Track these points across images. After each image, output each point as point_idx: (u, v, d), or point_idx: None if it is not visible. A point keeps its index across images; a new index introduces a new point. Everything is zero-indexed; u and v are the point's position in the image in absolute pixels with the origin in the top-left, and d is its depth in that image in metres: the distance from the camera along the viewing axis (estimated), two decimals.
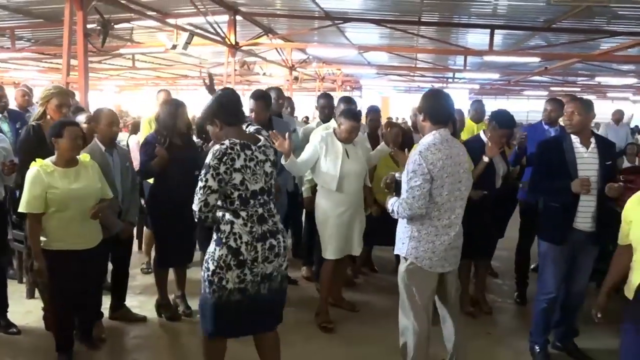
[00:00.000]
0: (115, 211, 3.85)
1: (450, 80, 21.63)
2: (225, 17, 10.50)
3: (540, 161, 3.85)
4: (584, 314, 3.74)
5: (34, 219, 3.31)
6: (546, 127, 5.00)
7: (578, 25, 10.07)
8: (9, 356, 3.74)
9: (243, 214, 2.78)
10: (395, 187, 3.20)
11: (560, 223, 3.60)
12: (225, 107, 2.87)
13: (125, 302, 4.34)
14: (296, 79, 16.69)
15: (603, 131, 9.74)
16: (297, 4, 10.23)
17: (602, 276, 3.02)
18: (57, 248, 3.37)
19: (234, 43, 10.86)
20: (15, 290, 4.66)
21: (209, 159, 2.73)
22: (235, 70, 12.06)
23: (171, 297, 4.46)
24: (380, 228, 4.74)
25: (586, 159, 3.56)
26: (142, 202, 4.71)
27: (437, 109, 3.12)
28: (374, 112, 5.49)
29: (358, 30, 11.98)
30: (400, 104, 21.73)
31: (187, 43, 9.40)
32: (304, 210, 5.21)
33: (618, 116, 9.87)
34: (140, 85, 25.26)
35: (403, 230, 3.18)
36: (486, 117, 5.71)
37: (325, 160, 4.11)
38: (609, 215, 3.45)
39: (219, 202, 2.78)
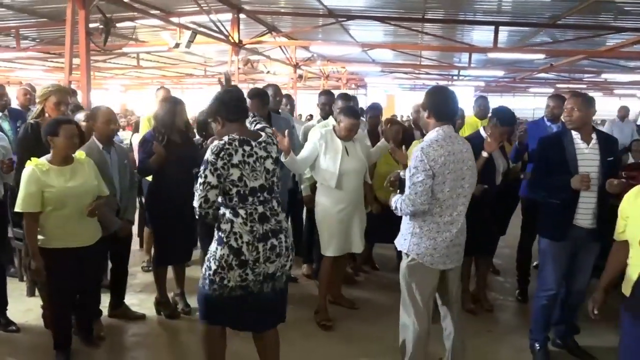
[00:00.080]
0: (114, 209, 3.85)
1: (455, 77, 21.55)
2: (229, 16, 10.50)
3: (540, 157, 3.82)
4: (584, 311, 3.70)
5: (30, 218, 3.31)
6: (548, 123, 4.96)
7: (584, 22, 10.00)
8: (8, 354, 3.75)
9: (242, 212, 2.76)
10: (399, 185, 3.19)
11: (561, 220, 3.57)
12: (226, 104, 2.88)
13: (125, 300, 4.35)
14: (300, 77, 16.68)
15: (608, 128, 9.68)
16: (300, 1, 10.22)
17: None
18: (54, 246, 3.37)
19: (237, 41, 10.86)
20: (16, 288, 4.69)
21: (207, 155, 2.74)
22: (239, 68, 12.05)
23: (170, 295, 4.46)
24: (381, 225, 4.73)
25: (587, 155, 3.52)
26: (142, 199, 4.72)
27: (442, 105, 3.11)
28: (373, 109, 5.47)
29: (362, 27, 11.94)
30: (405, 101, 21.71)
31: (190, 41, 9.39)
32: (304, 207, 5.19)
33: (623, 113, 9.79)
34: (145, 85, 25.31)
35: (405, 227, 3.17)
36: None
37: (324, 157, 4.10)
38: (610, 212, 3.41)
39: (219, 199, 2.78)
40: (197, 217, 2.80)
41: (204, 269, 2.89)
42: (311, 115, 17.37)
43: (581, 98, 3.60)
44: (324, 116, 5.15)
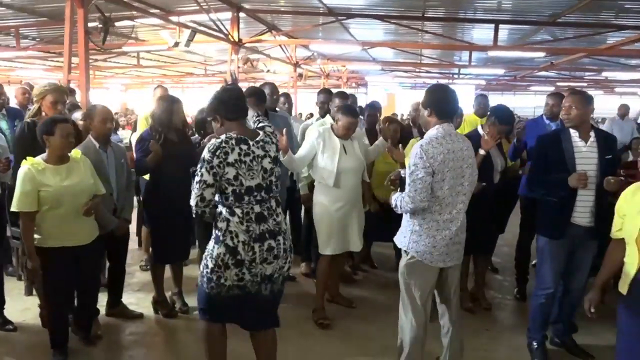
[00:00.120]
0: (110, 208, 3.84)
1: (455, 76, 21.52)
2: (229, 14, 10.49)
3: (539, 155, 3.80)
4: (582, 310, 3.68)
5: (27, 218, 3.31)
6: (547, 121, 4.95)
7: (584, 19, 9.98)
8: (5, 353, 3.75)
9: (238, 211, 2.75)
10: (400, 184, 3.18)
11: (558, 218, 3.55)
12: (225, 103, 2.87)
13: (123, 299, 4.35)
14: (300, 75, 16.65)
15: (608, 126, 9.65)
16: (300, 0, 10.20)
17: None
18: (51, 245, 3.37)
19: (237, 40, 10.84)
20: (14, 287, 4.69)
21: (204, 153, 2.74)
22: (238, 67, 12.03)
23: (168, 294, 4.46)
24: (380, 224, 4.73)
25: (584, 153, 3.51)
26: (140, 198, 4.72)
27: (443, 103, 3.10)
28: (371, 107, 5.46)
29: (362, 26, 11.93)
30: (406, 100, 21.62)
31: (190, 40, 9.37)
32: (303, 206, 5.19)
33: (623, 111, 9.76)
34: (146, 84, 25.31)
35: (405, 224, 3.17)
36: None
37: (322, 156, 4.09)
38: (608, 210, 3.39)
39: (216, 198, 2.77)
40: (194, 215, 2.80)
41: (202, 267, 2.89)
42: (311, 114, 17.34)
43: (579, 96, 3.58)
44: (323, 115, 5.15)
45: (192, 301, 4.51)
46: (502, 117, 4.28)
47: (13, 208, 3.30)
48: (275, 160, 2.91)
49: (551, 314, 3.80)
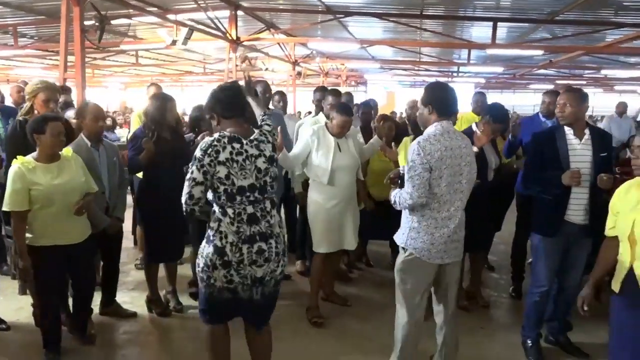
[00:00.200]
0: (103, 207, 3.83)
1: (455, 74, 21.49)
2: (227, 12, 10.46)
3: (535, 152, 3.79)
4: (577, 308, 3.67)
5: (18, 217, 3.29)
6: (543, 119, 4.93)
7: (583, 17, 9.95)
8: None
9: (230, 211, 2.72)
10: (400, 182, 3.17)
11: (552, 215, 3.54)
12: (221, 101, 2.86)
13: (117, 298, 4.33)
14: (299, 74, 16.63)
15: (606, 124, 9.64)
16: None
17: None
18: (43, 244, 3.35)
19: (235, 38, 10.82)
20: (9, 286, 4.69)
21: (196, 151, 2.73)
22: (236, 65, 12.02)
23: (162, 293, 4.44)
24: (375, 222, 4.72)
25: (579, 151, 3.50)
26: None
27: (444, 100, 3.09)
28: (366, 105, 5.44)
29: (361, 24, 11.91)
30: (406, 98, 21.58)
31: (187, 38, 9.36)
32: (297, 204, 5.17)
33: (622, 108, 9.74)
34: (145, 82, 25.28)
35: (405, 221, 3.16)
36: None
37: (317, 153, 4.08)
38: (602, 208, 3.37)
39: (210, 196, 2.75)
40: (184, 213, 2.77)
41: (197, 265, 2.89)
42: (310, 112, 17.33)
43: (574, 93, 3.57)
44: (319, 112, 5.13)
45: (186, 300, 4.52)
46: (497, 115, 4.26)
47: (4, 207, 3.29)
48: (270, 160, 2.85)
49: (546, 311, 3.79)
